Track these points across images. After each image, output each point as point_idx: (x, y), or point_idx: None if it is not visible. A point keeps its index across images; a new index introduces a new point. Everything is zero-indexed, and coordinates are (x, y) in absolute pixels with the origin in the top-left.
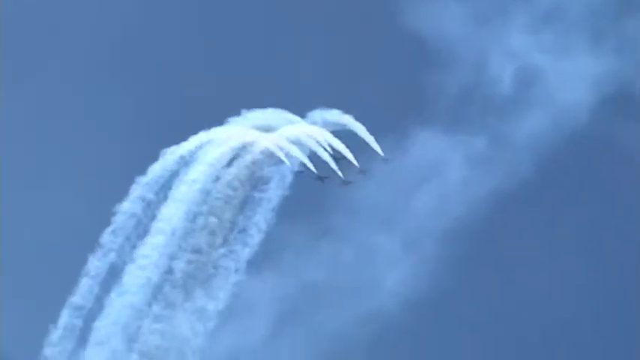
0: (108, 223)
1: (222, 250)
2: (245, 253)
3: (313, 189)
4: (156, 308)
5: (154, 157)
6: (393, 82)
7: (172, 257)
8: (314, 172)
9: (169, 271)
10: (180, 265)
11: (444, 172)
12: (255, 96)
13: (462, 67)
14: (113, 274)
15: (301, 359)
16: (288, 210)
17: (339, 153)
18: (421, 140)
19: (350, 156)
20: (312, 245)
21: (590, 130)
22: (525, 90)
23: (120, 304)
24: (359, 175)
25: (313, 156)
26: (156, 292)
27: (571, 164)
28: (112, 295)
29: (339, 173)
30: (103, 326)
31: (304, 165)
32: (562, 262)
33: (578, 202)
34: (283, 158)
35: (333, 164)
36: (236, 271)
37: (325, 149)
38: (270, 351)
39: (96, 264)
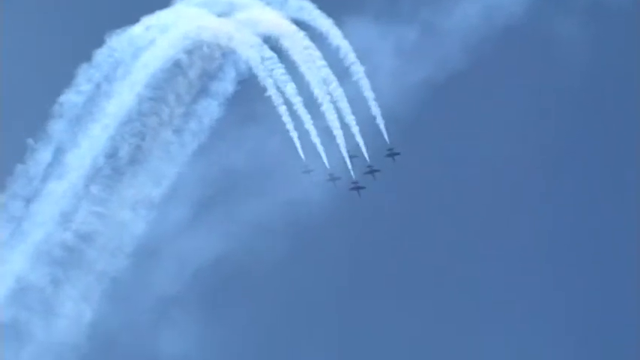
0: (53, 109)
1: (167, 137)
2: (189, 140)
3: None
4: (95, 190)
5: (99, 43)
6: None
7: (116, 141)
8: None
9: (113, 154)
10: (124, 150)
11: (374, 62)
12: None
13: None
14: (57, 159)
15: (222, 245)
16: (226, 99)
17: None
18: (351, 29)
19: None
20: (240, 132)
21: (524, 23)
22: None
23: (59, 187)
24: (368, 175)
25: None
26: (97, 175)
27: (503, 56)
28: (52, 177)
29: (352, 173)
30: (39, 207)
31: (331, 175)
32: (491, 154)
33: (508, 93)
34: (235, 47)
35: (347, 161)
36: (178, 158)
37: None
38: (191, 236)
39: (40, 149)
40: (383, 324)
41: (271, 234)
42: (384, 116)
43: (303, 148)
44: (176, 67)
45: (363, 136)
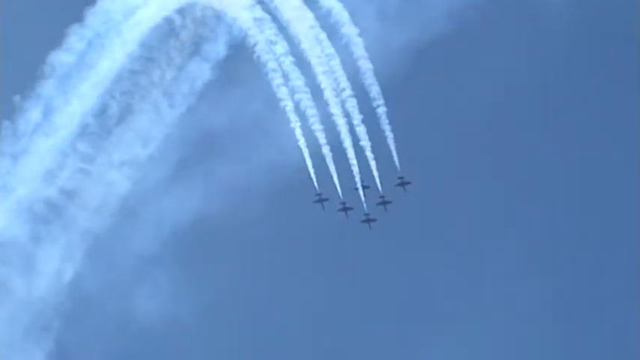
0: (43, 68)
1: (156, 97)
2: (179, 102)
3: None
4: (82, 148)
5: (91, 2)
6: None
7: (105, 100)
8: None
9: (101, 113)
10: (113, 109)
11: (357, 26)
12: None
13: None
14: (45, 117)
15: (201, 205)
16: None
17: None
18: None
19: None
20: (225, 94)
21: None
22: None
23: (46, 144)
24: (380, 205)
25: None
26: (84, 133)
27: (487, 20)
28: (40, 135)
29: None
30: (25, 163)
31: (343, 204)
32: (474, 115)
33: (492, 57)
34: (228, 9)
35: (360, 191)
36: (167, 119)
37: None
38: (170, 196)
39: (29, 108)
40: (360, 282)
41: (250, 195)
42: (373, 78)
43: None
44: (168, 28)
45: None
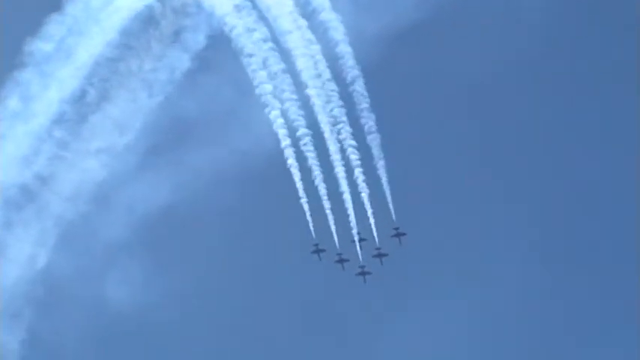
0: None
1: (134, 86)
2: (157, 91)
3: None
4: (59, 134)
5: None
6: None
7: (84, 88)
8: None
9: (79, 100)
10: (91, 96)
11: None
12: None
13: None
14: (23, 103)
15: (172, 193)
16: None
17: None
18: None
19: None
20: (198, 81)
21: None
22: None
23: (22, 129)
24: (377, 257)
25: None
26: (61, 119)
27: (461, 7)
28: (17, 120)
29: (360, 257)
30: (1, 150)
31: (340, 255)
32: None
33: (466, 44)
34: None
35: (357, 243)
36: (145, 108)
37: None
38: (141, 183)
39: (7, 95)
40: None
41: (222, 183)
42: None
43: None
44: (148, 16)
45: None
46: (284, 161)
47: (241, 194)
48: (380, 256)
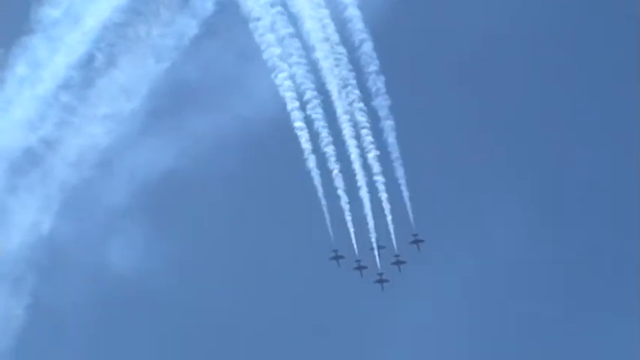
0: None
1: (142, 51)
2: (164, 57)
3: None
4: (65, 99)
5: None
6: None
7: (91, 52)
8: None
9: (86, 65)
10: (98, 61)
11: None
12: None
13: None
14: (31, 69)
15: (173, 158)
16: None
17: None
18: None
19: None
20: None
21: None
22: None
23: (30, 94)
24: (395, 265)
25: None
26: (68, 84)
27: None
28: (24, 86)
29: (378, 264)
30: (7, 113)
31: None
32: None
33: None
34: None
35: (375, 251)
36: (151, 73)
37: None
38: (143, 148)
39: (15, 59)
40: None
41: (224, 148)
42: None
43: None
44: None
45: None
46: (287, 127)
47: (243, 160)
48: (398, 263)
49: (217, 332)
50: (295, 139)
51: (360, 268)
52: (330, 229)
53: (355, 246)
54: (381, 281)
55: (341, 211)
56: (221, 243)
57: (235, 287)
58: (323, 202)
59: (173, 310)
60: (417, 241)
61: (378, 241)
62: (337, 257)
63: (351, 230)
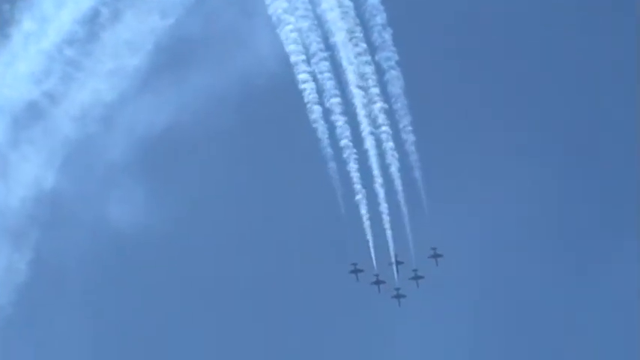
0: None
1: (147, 3)
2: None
3: None
4: (70, 54)
5: None
6: None
7: (97, 7)
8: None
9: (91, 20)
10: (103, 16)
11: None
12: None
13: None
14: (35, 24)
15: (172, 114)
16: None
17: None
18: None
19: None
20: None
21: None
22: None
23: (34, 49)
24: (413, 280)
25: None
26: (73, 39)
27: None
28: (30, 40)
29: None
30: (12, 67)
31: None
32: None
33: None
34: None
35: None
36: (157, 29)
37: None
38: (142, 103)
39: (20, 14)
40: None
41: (224, 105)
42: None
43: None
44: None
45: None
46: (290, 83)
47: (244, 116)
48: (416, 278)
49: (216, 288)
50: (298, 95)
51: (378, 282)
52: (335, 186)
53: (373, 256)
54: (398, 297)
55: (345, 163)
56: (220, 199)
57: (235, 243)
58: (327, 153)
59: (172, 266)
60: (435, 256)
61: (396, 253)
62: (356, 271)
63: (357, 190)
